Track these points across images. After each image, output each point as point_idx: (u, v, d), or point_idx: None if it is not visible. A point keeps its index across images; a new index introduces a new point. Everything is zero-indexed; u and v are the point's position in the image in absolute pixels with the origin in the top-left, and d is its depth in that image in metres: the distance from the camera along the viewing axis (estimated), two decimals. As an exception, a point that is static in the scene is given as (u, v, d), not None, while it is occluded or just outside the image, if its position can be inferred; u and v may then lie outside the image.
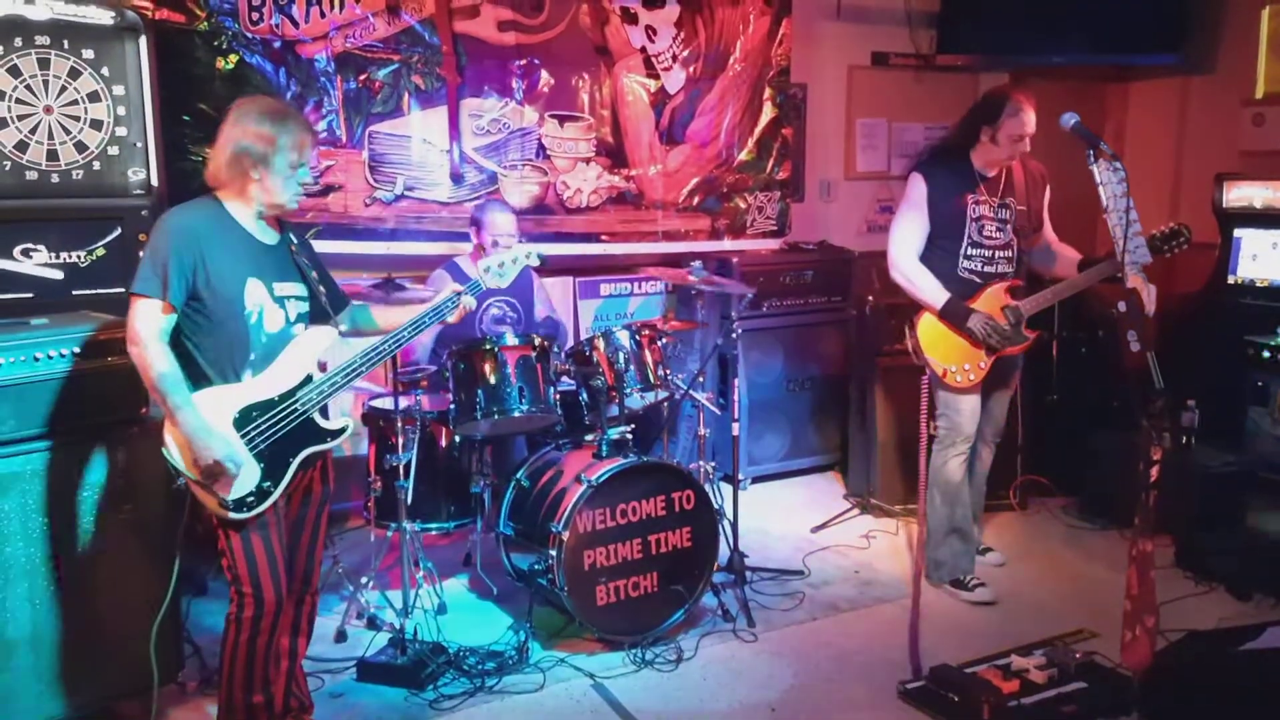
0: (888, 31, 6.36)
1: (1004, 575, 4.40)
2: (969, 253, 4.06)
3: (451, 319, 3.15)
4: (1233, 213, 5.75)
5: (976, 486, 4.41)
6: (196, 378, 2.74)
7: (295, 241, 2.97)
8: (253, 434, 2.75)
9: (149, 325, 2.66)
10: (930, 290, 4.03)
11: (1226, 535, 4.50)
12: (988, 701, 3.16)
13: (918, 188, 4.09)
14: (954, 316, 4.01)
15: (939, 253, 4.09)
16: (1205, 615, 3.93)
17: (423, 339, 4.24)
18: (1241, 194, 5.72)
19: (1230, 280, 5.75)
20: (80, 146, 3.61)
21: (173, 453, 2.71)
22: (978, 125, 4.02)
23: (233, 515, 2.73)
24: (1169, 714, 3.10)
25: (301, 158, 2.82)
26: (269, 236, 2.90)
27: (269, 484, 2.78)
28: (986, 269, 4.08)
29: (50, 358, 2.97)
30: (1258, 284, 5.62)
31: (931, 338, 4.06)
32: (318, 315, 2.98)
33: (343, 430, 2.95)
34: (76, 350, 3.03)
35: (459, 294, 3.13)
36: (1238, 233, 5.73)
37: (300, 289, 2.93)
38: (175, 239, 2.69)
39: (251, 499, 2.75)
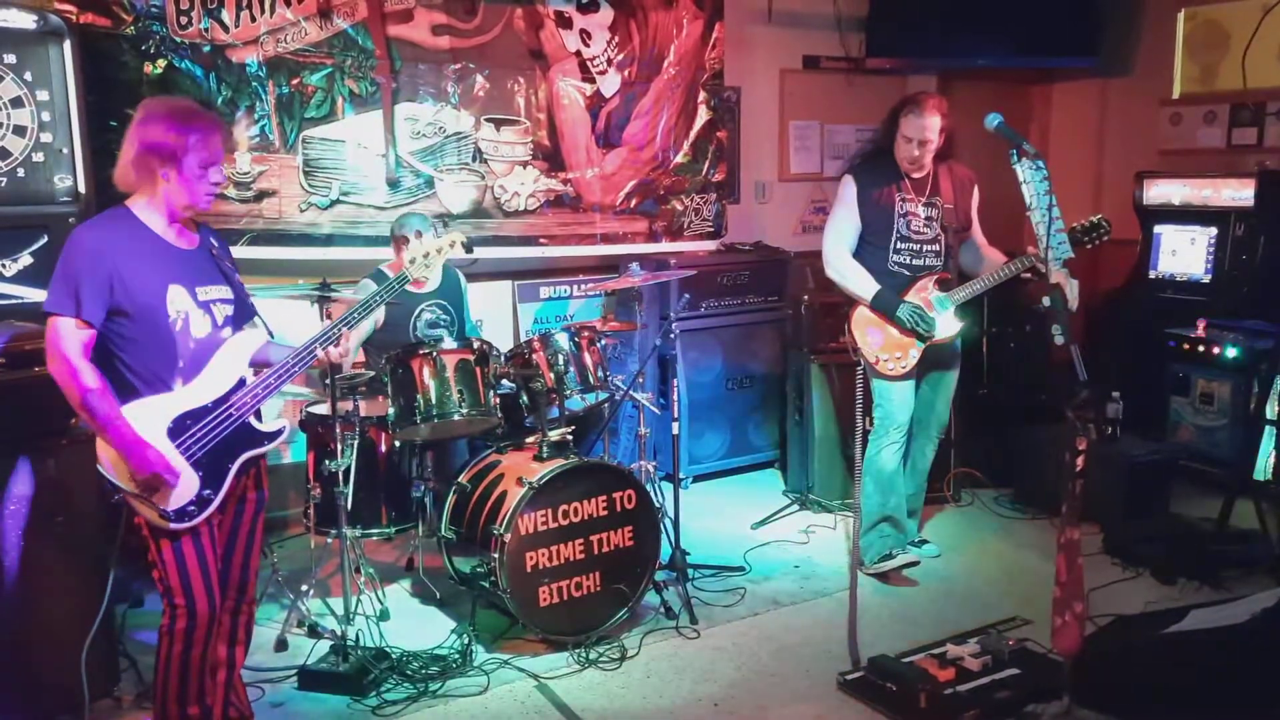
0: (818, 35, 6.45)
1: (939, 566, 4.49)
2: (898, 247, 4.23)
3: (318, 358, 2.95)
4: (1152, 209, 5.94)
5: (917, 482, 4.51)
6: (126, 390, 2.69)
7: (216, 244, 2.92)
8: (189, 442, 2.71)
9: (67, 343, 2.61)
10: (861, 284, 4.19)
11: (1151, 522, 4.64)
12: (924, 690, 3.22)
13: (848, 188, 4.28)
14: (884, 307, 4.16)
15: (870, 248, 4.25)
16: (1132, 600, 4.04)
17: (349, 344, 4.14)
18: (1160, 191, 5.91)
19: (1151, 275, 5.94)
20: (3, 153, 3.54)
21: (107, 468, 2.66)
22: (889, 124, 4.23)
23: (174, 525, 2.69)
24: (1099, 697, 3.19)
25: (212, 157, 2.74)
26: (186, 241, 2.83)
27: (209, 491, 2.74)
28: (915, 262, 4.24)
29: (-26, 368, 2.91)
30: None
31: (864, 329, 4.22)
32: (245, 317, 2.93)
33: (279, 433, 2.91)
34: (1, 360, 2.96)
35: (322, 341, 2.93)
36: (1157, 229, 5.92)
37: (225, 292, 2.87)
38: (86, 255, 2.63)
39: (192, 508, 2.72)
